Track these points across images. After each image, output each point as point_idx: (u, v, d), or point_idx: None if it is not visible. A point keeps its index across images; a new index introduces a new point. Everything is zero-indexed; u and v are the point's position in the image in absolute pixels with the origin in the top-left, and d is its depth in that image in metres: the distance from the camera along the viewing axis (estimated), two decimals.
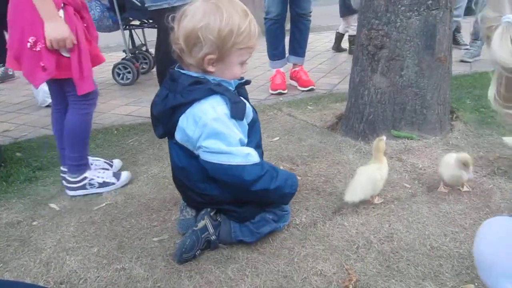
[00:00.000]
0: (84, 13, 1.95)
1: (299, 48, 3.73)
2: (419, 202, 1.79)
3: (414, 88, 2.30)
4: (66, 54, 1.80)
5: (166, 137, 1.59)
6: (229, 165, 1.40)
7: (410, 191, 1.89)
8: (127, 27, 4.27)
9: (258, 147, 1.57)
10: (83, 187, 2.05)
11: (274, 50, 3.68)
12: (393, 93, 2.32)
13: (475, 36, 4.24)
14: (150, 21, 4.12)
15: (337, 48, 5.26)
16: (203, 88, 1.40)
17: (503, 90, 0.86)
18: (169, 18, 1.43)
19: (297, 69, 3.74)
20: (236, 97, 1.47)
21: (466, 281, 1.34)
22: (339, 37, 5.23)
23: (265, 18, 3.55)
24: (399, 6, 2.19)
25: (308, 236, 1.62)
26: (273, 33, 3.59)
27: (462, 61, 4.11)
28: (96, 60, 1.97)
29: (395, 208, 1.76)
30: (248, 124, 1.52)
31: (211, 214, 1.55)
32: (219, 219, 1.56)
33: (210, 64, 1.42)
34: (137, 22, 4.29)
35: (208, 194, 1.53)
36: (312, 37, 3.72)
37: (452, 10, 2.29)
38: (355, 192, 1.73)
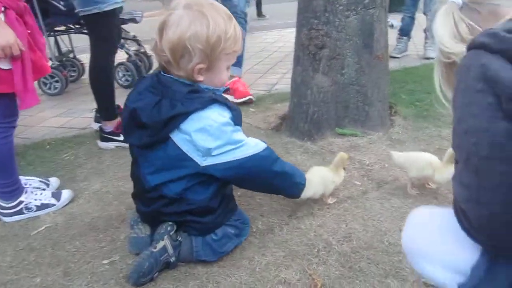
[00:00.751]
0: (28, 18, 1.75)
1: None
2: (371, 199, 1.82)
3: (355, 86, 2.34)
4: (4, 66, 1.61)
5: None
6: (243, 157, 1.40)
7: (361, 188, 1.91)
8: (52, 33, 4.00)
9: None
10: (19, 212, 1.86)
11: None
12: (335, 92, 2.35)
13: (403, 33, 4.44)
14: (77, 26, 3.89)
15: None
16: (205, 97, 1.35)
17: (445, 74, 0.98)
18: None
19: (234, 79, 3.41)
20: (234, 105, 1.45)
21: None
22: None
23: None
24: (337, 5, 2.22)
25: (266, 243, 1.58)
26: None
27: (391, 56, 4.28)
28: (42, 70, 1.79)
29: (349, 207, 1.77)
30: None
31: (171, 233, 1.45)
32: (179, 239, 1.46)
33: (200, 73, 1.37)
34: (62, 28, 4.03)
35: (183, 197, 1.43)
36: None
37: (387, 9, 2.36)
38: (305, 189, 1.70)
